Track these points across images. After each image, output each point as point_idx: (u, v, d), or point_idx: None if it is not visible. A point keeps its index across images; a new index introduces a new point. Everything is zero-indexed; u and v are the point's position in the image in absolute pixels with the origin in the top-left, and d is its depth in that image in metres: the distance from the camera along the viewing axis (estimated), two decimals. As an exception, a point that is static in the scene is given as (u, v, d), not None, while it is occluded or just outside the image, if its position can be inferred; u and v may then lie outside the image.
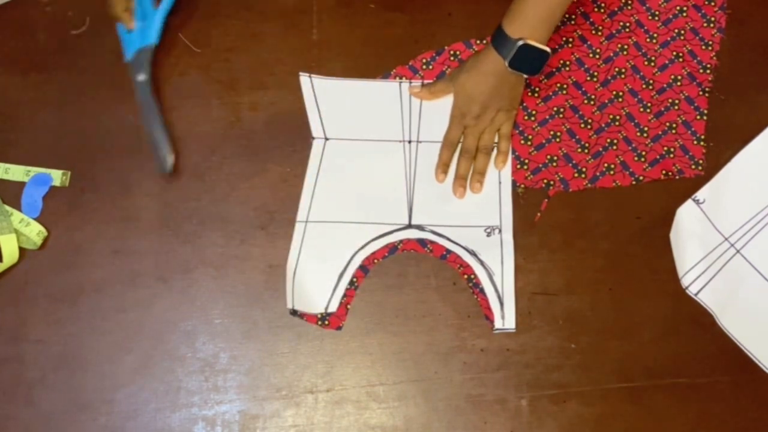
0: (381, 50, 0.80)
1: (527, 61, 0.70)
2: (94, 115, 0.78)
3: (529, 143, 0.77)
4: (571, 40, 0.80)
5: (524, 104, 0.78)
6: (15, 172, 0.76)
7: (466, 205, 0.75)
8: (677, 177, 0.75)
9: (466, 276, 0.72)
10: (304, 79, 0.78)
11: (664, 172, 0.76)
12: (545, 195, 0.74)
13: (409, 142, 0.77)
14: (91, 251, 0.74)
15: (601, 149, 0.76)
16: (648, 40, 0.80)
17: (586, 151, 0.76)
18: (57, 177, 0.76)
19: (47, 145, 0.77)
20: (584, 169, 0.76)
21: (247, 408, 0.69)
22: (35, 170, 0.76)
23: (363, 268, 0.73)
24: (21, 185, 0.76)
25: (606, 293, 0.72)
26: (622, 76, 0.79)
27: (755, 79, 0.79)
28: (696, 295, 0.71)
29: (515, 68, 0.70)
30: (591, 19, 0.81)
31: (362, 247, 0.73)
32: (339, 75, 0.79)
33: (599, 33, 0.80)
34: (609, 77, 0.79)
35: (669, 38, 0.80)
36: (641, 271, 0.73)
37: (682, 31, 0.80)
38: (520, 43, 0.68)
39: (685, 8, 0.81)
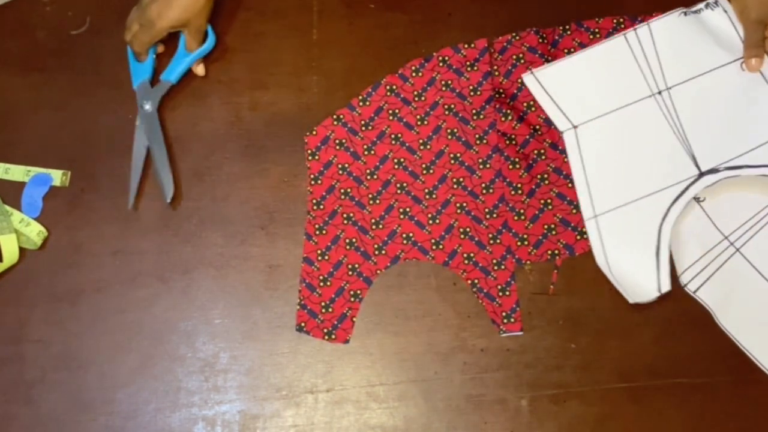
0: (381, 50, 0.80)
1: None
2: (94, 115, 0.78)
3: (522, 218, 0.74)
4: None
5: (508, 179, 0.75)
6: (15, 172, 0.76)
7: (747, 126, 0.71)
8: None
9: (470, 281, 0.72)
10: (528, 77, 0.75)
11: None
12: (554, 266, 0.73)
13: (659, 93, 0.73)
14: (91, 251, 0.74)
15: None
16: None
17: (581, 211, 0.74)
18: (57, 177, 0.76)
19: (47, 145, 0.77)
20: (585, 230, 0.73)
21: (247, 408, 0.69)
22: (35, 170, 0.76)
23: (366, 280, 0.73)
24: (21, 185, 0.76)
25: (606, 293, 0.72)
26: None
27: (755, 79, 0.79)
28: (694, 292, 0.71)
29: None
30: (539, 51, 0.79)
31: (665, 216, 0.70)
32: (339, 75, 0.79)
33: None
34: None
35: None
36: (641, 271, 0.73)
37: None
38: None
39: None
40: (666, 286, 0.69)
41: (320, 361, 0.70)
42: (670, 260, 0.70)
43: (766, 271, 0.71)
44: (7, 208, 0.74)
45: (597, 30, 0.79)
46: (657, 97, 0.73)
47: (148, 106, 0.77)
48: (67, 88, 0.79)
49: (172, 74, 0.78)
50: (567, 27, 0.79)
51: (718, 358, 0.70)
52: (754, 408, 0.68)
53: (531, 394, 0.69)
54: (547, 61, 0.78)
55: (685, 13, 0.76)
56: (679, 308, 0.71)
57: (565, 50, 0.78)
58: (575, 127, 0.74)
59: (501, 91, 0.77)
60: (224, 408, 0.69)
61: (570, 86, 0.75)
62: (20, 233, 0.74)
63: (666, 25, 0.76)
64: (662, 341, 0.70)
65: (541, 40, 0.79)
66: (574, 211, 0.74)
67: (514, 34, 0.79)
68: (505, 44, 0.79)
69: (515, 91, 0.78)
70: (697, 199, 0.74)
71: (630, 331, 0.71)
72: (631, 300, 0.70)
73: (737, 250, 0.72)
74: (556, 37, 0.79)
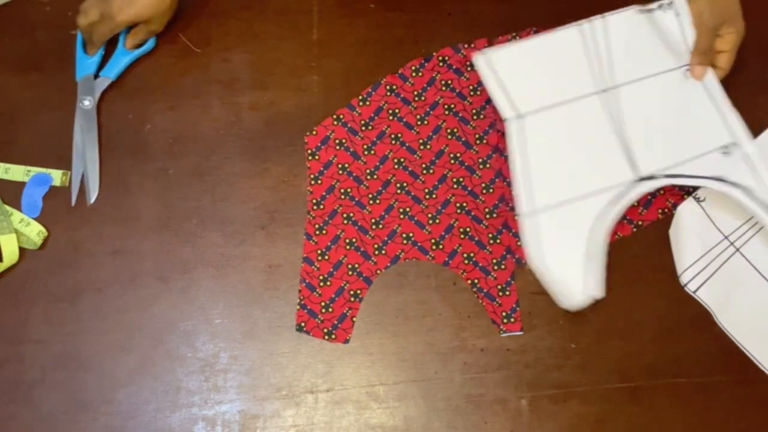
0: (381, 50, 0.80)
1: None
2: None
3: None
4: None
5: (508, 180, 0.74)
6: (15, 172, 0.76)
7: (687, 135, 0.70)
8: (674, 211, 0.74)
9: (470, 281, 0.72)
10: (479, 59, 0.73)
11: (660, 210, 0.74)
12: None
13: (604, 91, 0.71)
14: (91, 251, 0.74)
15: None
16: None
17: None
18: (57, 177, 0.76)
19: (47, 145, 0.77)
20: None
21: (247, 408, 0.69)
22: (35, 170, 0.76)
23: (366, 280, 0.73)
24: (21, 185, 0.76)
25: (606, 293, 0.72)
26: None
27: (755, 79, 0.79)
28: (694, 292, 0.71)
29: None
30: None
31: (600, 219, 0.68)
32: (339, 75, 0.79)
33: None
34: None
35: None
36: (641, 271, 0.73)
37: None
38: None
39: None
40: (594, 292, 0.67)
41: (320, 361, 0.70)
42: (604, 267, 0.68)
43: (766, 271, 0.72)
44: (7, 208, 0.74)
45: None
46: (602, 95, 0.72)
47: (87, 102, 0.77)
48: (67, 88, 0.79)
49: (111, 71, 0.78)
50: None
51: (718, 358, 0.70)
52: (754, 408, 0.68)
53: (531, 394, 0.69)
54: None
55: (640, 11, 0.74)
56: (679, 308, 0.71)
57: None
58: (520, 116, 0.72)
59: None
60: (224, 408, 0.69)
61: (520, 72, 0.74)
62: (20, 233, 0.74)
63: (622, 20, 0.74)
64: (662, 341, 0.70)
65: None
66: None
67: (514, 34, 0.79)
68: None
69: None
70: (697, 198, 0.74)
71: (630, 331, 0.71)
72: (563, 305, 0.69)
73: (737, 250, 0.72)
74: None
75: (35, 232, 0.73)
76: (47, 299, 0.72)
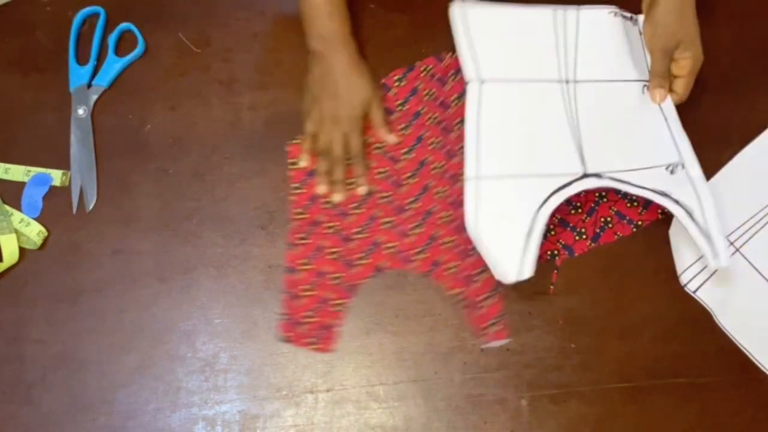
0: (381, 50, 0.80)
1: None
2: (94, 115, 0.78)
3: None
4: None
5: None
6: (15, 172, 0.76)
7: (639, 146, 0.70)
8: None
9: (452, 290, 0.72)
10: (456, 9, 0.72)
11: (660, 211, 0.74)
12: (553, 266, 0.73)
13: (567, 82, 0.71)
14: (91, 251, 0.74)
15: (593, 204, 0.74)
16: None
17: (579, 210, 0.74)
18: (57, 177, 0.76)
19: (47, 146, 0.77)
20: (583, 230, 0.73)
21: (247, 408, 0.69)
22: (35, 170, 0.76)
23: (350, 289, 0.72)
24: (21, 185, 0.76)
25: (606, 293, 0.72)
26: None
27: (755, 79, 0.79)
28: (694, 292, 0.71)
29: None
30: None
31: (544, 203, 0.67)
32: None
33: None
34: None
35: None
36: (641, 271, 0.73)
37: None
38: None
39: None
40: (527, 273, 0.65)
41: (320, 361, 0.70)
42: (539, 248, 0.66)
43: (766, 271, 0.72)
44: (7, 208, 0.74)
45: None
46: (564, 85, 0.72)
47: (81, 111, 0.77)
48: (67, 88, 0.79)
49: (104, 79, 0.79)
50: None
51: (718, 358, 0.70)
52: (754, 408, 0.68)
53: (531, 394, 0.69)
54: None
55: (615, 14, 0.74)
56: (679, 308, 0.71)
57: None
58: (482, 80, 0.71)
59: None
60: (224, 408, 0.69)
61: (491, 35, 0.73)
62: (20, 233, 0.74)
63: (595, 17, 0.74)
64: (662, 341, 0.70)
65: None
66: (573, 212, 0.74)
67: None
68: None
69: None
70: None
71: (630, 331, 0.71)
72: (496, 276, 0.67)
73: (737, 250, 0.72)
74: None
75: (35, 232, 0.73)
76: (47, 299, 0.72)
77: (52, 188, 0.76)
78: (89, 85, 0.79)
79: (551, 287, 0.72)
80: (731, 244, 0.72)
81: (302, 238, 0.74)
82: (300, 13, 0.75)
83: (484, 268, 0.71)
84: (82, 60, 0.80)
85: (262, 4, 0.83)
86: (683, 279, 0.72)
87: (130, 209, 0.75)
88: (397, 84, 0.79)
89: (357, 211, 0.75)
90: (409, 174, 0.76)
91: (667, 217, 0.74)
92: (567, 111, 0.70)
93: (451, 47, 0.78)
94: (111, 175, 0.76)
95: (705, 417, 0.68)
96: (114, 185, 0.76)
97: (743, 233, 0.73)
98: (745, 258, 0.72)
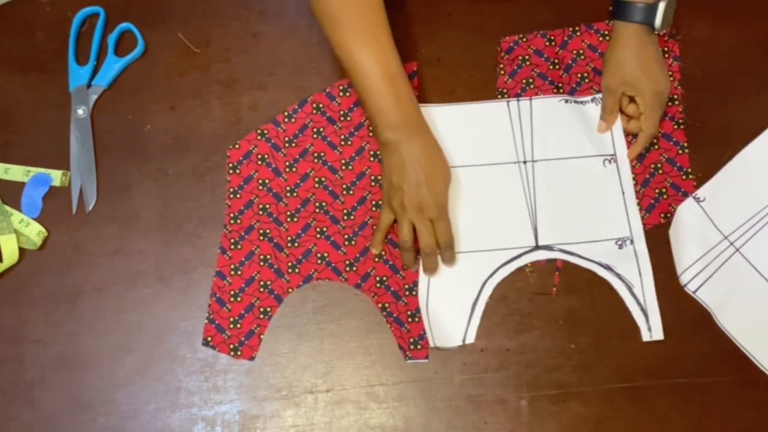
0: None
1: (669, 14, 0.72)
2: (94, 116, 0.78)
3: None
4: (531, 80, 0.79)
5: None
6: (15, 172, 0.76)
7: (592, 220, 0.74)
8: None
9: (380, 305, 0.72)
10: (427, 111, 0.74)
11: (662, 214, 0.74)
12: (554, 268, 0.73)
13: (524, 162, 0.75)
14: (91, 251, 0.74)
15: None
16: None
17: None
18: (57, 177, 0.76)
19: (47, 146, 0.77)
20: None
21: (247, 408, 0.69)
22: (35, 170, 0.76)
23: (277, 298, 0.72)
24: (21, 185, 0.76)
25: (606, 293, 0.72)
26: None
27: (755, 79, 0.79)
28: (694, 292, 0.71)
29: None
30: (545, 55, 0.79)
31: (492, 275, 0.72)
32: (338, 75, 0.79)
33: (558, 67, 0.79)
34: None
35: None
36: (641, 271, 0.73)
37: None
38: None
39: None
40: (471, 339, 0.70)
41: (320, 361, 0.70)
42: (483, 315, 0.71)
43: (766, 271, 0.71)
44: (7, 208, 0.74)
45: (606, 32, 0.79)
46: (521, 165, 0.76)
47: (81, 111, 0.77)
48: (66, 88, 0.79)
49: (103, 79, 0.79)
50: (576, 28, 0.79)
51: (718, 358, 0.70)
52: (754, 408, 0.68)
53: (531, 394, 0.69)
54: (553, 64, 0.78)
55: (567, 101, 0.77)
56: (679, 308, 0.71)
57: (574, 51, 0.78)
58: (452, 166, 0.74)
59: None
60: (224, 408, 0.69)
61: (454, 130, 0.76)
62: (20, 233, 0.74)
63: (547, 105, 0.78)
64: (662, 341, 0.70)
65: (548, 43, 0.79)
66: None
67: (521, 36, 0.79)
68: (511, 44, 0.79)
69: (519, 91, 0.78)
70: (697, 199, 0.74)
71: (630, 331, 0.71)
72: (436, 343, 0.70)
73: (737, 250, 0.72)
74: (566, 38, 0.79)
75: (35, 232, 0.73)
76: (47, 299, 0.72)
77: (52, 188, 0.76)
78: (89, 85, 0.79)
79: (554, 289, 0.72)
80: (731, 244, 0.72)
81: (234, 244, 0.73)
82: (362, 102, 0.71)
83: (412, 287, 0.72)
84: (81, 60, 0.80)
85: (262, 4, 0.83)
86: (683, 279, 0.72)
87: (130, 209, 0.75)
88: (341, 94, 0.78)
89: (292, 219, 0.74)
90: (347, 185, 0.75)
91: (669, 220, 0.74)
92: (525, 189, 0.75)
93: (459, 42, 0.78)
94: (111, 175, 0.76)
95: (705, 417, 0.68)
96: (114, 185, 0.76)
97: (743, 233, 0.73)
98: (745, 258, 0.72)
